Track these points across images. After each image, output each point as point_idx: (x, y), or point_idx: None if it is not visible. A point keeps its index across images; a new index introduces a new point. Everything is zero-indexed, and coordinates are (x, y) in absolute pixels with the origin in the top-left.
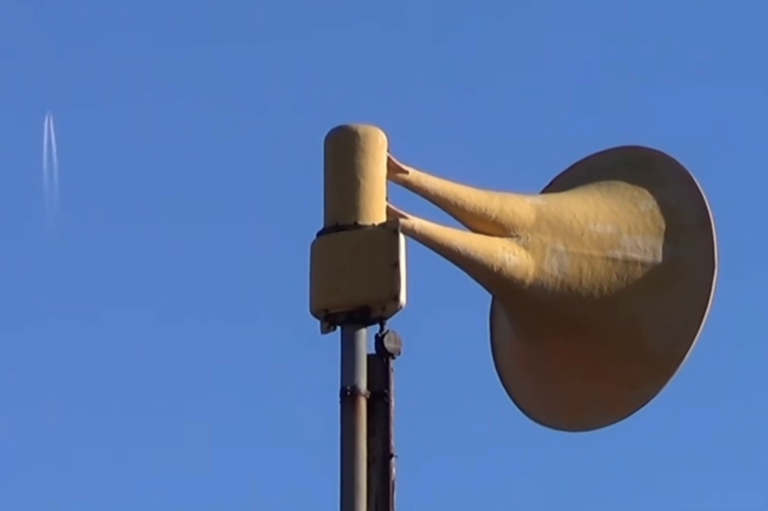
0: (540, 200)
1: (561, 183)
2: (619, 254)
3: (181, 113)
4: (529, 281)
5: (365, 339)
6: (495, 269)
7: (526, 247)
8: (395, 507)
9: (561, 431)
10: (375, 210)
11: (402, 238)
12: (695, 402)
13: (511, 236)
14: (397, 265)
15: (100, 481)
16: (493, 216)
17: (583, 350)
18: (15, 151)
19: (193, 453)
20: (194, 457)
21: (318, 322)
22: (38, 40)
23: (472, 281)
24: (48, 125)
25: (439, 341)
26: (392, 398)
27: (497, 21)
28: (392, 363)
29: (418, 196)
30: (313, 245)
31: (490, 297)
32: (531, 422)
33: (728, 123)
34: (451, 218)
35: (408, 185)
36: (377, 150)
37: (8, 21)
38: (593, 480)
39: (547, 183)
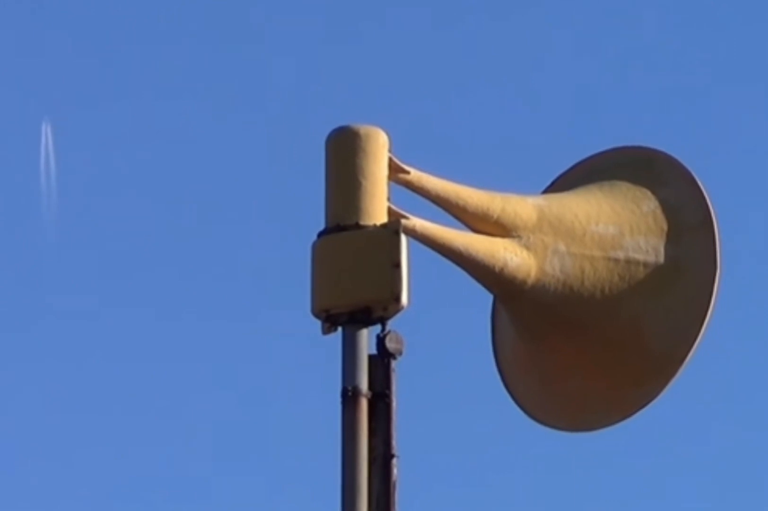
0: (542, 201)
1: (563, 183)
2: (621, 255)
3: (182, 113)
4: (530, 281)
5: (366, 339)
6: (497, 269)
7: (527, 248)
8: (396, 508)
9: (562, 432)
10: (376, 211)
11: (403, 238)
12: (697, 402)
13: (512, 237)
14: (398, 265)
15: (100, 481)
16: (495, 216)
17: (584, 350)
18: (12, 157)
19: (194, 453)
20: (195, 457)
21: (319, 322)
22: (35, 41)
23: (473, 281)
24: (46, 132)
25: (441, 341)
26: (393, 399)
27: (498, 21)
28: (394, 363)
29: (419, 197)
30: (314, 246)
31: (491, 297)
32: (532, 422)
33: (730, 122)
34: (453, 219)
35: (409, 186)
36: (378, 150)
37: (5, 23)
38: (594, 481)
39: (548, 184)
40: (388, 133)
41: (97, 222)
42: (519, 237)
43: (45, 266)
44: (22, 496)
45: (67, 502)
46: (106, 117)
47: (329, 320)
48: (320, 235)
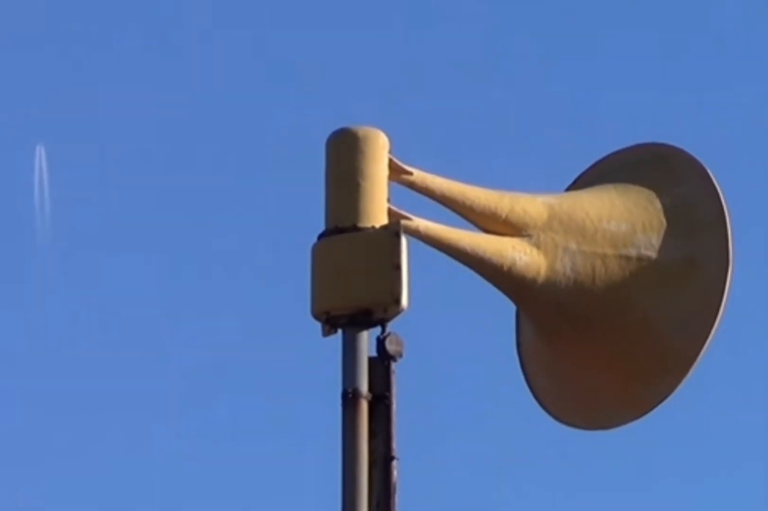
0: (552, 199)
1: (581, 183)
2: (633, 252)
3: (181, 115)
4: (540, 279)
5: (367, 342)
6: (504, 268)
7: (537, 247)
8: (396, 510)
9: (577, 429)
10: (376, 212)
11: (404, 240)
12: (711, 400)
13: (522, 236)
14: (398, 267)
15: (100, 480)
16: (504, 215)
17: (597, 348)
18: (6, 179)
19: (194, 455)
20: (195, 458)
21: (319, 324)
22: (32, 42)
23: (474, 282)
24: (40, 157)
25: (441, 343)
26: (394, 401)
27: (502, 18)
28: (394, 366)
29: (422, 198)
30: (314, 248)
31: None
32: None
33: (745, 120)
34: (459, 219)
35: (413, 186)
36: (378, 152)
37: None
38: (597, 482)
39: (558, 185)
40: (388, 135)
41: (96, 222)
42: (529, 236)
43: (42, 267)
44: (20, 496)
45: (66, 501)
46: (103, 117)
47: (329, 322)
48: (320, 237)
